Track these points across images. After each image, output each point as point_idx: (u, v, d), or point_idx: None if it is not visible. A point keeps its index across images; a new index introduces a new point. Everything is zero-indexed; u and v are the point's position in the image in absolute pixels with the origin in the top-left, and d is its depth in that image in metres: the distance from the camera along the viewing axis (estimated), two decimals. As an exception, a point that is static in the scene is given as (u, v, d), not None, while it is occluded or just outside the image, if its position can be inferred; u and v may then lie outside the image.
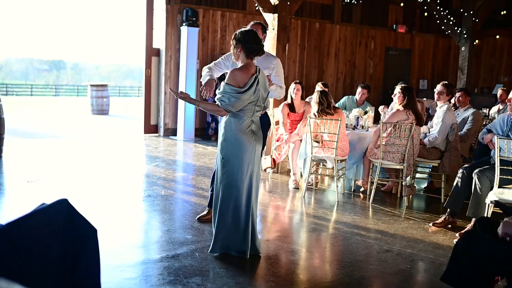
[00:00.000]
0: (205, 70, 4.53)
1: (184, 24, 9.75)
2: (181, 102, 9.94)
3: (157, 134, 10.37)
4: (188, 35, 9.68)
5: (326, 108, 5.85)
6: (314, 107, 5.93)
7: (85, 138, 9.79)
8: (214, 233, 3.82)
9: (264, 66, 4.36)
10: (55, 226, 1.67)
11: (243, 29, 3.80)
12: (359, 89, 7.51)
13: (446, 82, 6.14)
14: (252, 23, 4.65)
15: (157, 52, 10.22)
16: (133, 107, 19.05)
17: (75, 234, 1.72)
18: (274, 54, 7.15)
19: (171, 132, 10.23)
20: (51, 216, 1.65)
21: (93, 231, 1.79)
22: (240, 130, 3.71)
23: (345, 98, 7.75)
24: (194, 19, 9.73)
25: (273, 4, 7.03)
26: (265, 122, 4.26)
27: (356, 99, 7.56)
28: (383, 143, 5.61)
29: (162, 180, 6.41)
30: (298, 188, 6.26)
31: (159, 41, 10.17)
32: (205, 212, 4.79)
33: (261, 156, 4.01)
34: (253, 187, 3.79)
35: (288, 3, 7.06)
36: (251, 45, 3.66)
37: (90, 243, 1.78)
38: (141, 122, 10.46)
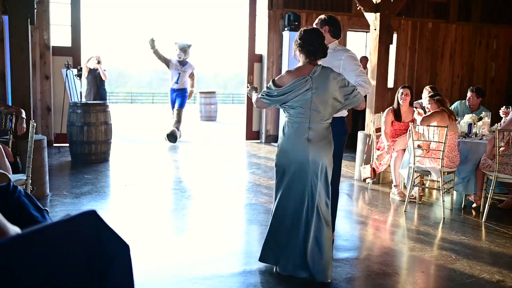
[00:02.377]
0: None
1: (286, 28, 9.59)
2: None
3: (258, 141, 10.31)
4: (290, 39, 9.49)
5: (451, 114, 5.26)
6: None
7: (188, 144, 10.03)
8: (264, 239, 3.57)
9: (331, 64, 3.69)
10: (79, 239, 1.53)
11: (305, 28, 3.52)
12: (468, 93, 6.70)
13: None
14: (317, 19, 4.17)
15: (260, 58, 10.17)
16: (242, 113, 19.35)
17: (103, 249, 1.57)
18: (376, 56, 6.69)
19: (272, 138, 10.10)
20: (75, 229, 1.52)
21: (125, 247, 1.63)
22: (292, 136, 3.41)
23: (457, 103, 6.99)
24: (296, 23, 9.53)
25: (374, 2, 6.57)
26: (339, 129, 3.84)
27: (467, 104, 6.78)
28: (500, 153, 4.90)
29: (263, 187, 6.26)
30: (404, 200, 5.66)
31: (261, 47, 10.12)
32: None
33: (320, 170, 3.42)
34: (315, 203, 3.39)
35: (392, 1, 6.55)
36: (307, 47, 3.38)
37: (121, 260, 1.61)
38: (244, 129, 10.47)
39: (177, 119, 9.60)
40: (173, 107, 9.69)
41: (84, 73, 8.56)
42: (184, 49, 9.41)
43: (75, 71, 8.15)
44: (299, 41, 3.43)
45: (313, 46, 3.38)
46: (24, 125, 4.79)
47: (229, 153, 8.98)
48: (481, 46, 11.51)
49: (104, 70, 8.85)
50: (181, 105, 9.61)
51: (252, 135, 10.37)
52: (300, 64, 3.46)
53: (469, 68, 11.44)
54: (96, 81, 8.83)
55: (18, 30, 5.13)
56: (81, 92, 8.00)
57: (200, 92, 16.03)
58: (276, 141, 9.93)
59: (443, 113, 5.19)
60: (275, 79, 3.46)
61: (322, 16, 4.17)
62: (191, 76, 9.73)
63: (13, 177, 3.81)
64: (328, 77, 3.36)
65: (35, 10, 5.25)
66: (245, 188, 6.22)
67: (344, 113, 3.97)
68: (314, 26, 4.00)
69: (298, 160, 3.38)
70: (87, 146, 7.39)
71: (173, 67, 9.49)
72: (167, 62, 9.49)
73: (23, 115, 4.87)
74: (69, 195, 5.56)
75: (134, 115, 18.10)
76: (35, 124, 4.23)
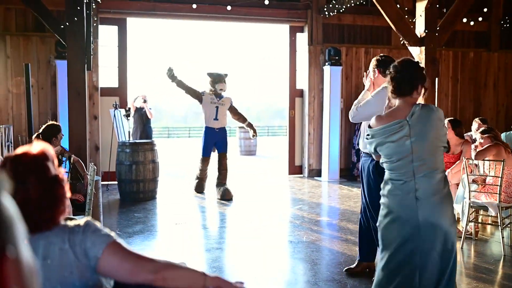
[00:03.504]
0: None
1: (326, 63, 9.67)
2: (325, 143, 9.77)
3: (301, 175, 10.29)
4: (331, 74, 9.56)
5: (507, 147, 5.15)
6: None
7: (232, 179, 10.09)
8: None
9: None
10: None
11: (403, 60, 2.90)
12: None
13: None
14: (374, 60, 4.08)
15: (301, 93, 10.26)
16: (280, 146, 19.43)
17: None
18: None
19: (316, 173, 10.07)
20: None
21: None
22: (394, 194, 2.80)
23: (503, 134, 6.80)
24: (336, 57, 9.61)
25: (419, 36, 6.58)
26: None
27: None
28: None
29: (306, 224, 6.22)
30: (459, 237, 5.52)
31: (302, 82, 10.21)
32: (354, 265, 4.43)
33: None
34: (415, 271, 2.74)
35: (437, 34, 6.55)
36: (406, 82, 2.78)
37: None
38: (286, 163, 10.49)
39: (224, 169, 8.02)
40: (208, 152, 8.00)
41: (132, 112, 8.83)
42: (224, 80, 8.02)
43: (123, 111, 8.41)
44: (396, 74, 2.81)
45: (413, 79, 2.80)
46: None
47: (274, 189, 8.99)
48: (525, 74, 11.28)
49: (150, 109, 9.10)
50: (226, 149, 8.10)
51: (295, 169, 10.36)
52: (393, 105, 2.89)
53: (514, 96, 11.21)
54: (143, 120, 9.08)
55: (76, 76, 5.38)
56: (129, 132, 8.23)
57: (239, 127, 16.21)
58: (319, 175, 9.90)
59: (499, 146, 5.09)
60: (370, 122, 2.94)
61: (377, 57, 4.14)
62: (234, 110, 8.15)
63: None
64: (427, 119, 2.76)
65: (91, 57, 5.48)
66: (292, 225, 6.19)
67: None
68: (372, 67, 4.00)
69: (398, 223, 2.78)
70: (135, 184, 7.54)
71: (208, 101, 7.89)
72: (198, 95, 7.93)
73: (88, 179, 4.57)
74: (122, 234, 5.66)
75: (173, 150, 18.38)
76: (95, 168, 4.37)
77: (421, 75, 2.82)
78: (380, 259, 2.89)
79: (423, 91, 2.83)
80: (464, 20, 10.02)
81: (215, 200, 7.87)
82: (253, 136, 8.39)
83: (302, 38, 10.07)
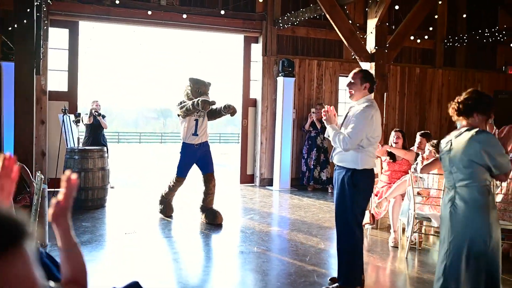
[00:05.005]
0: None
1: (280, 74, 9.81)
2: (277, 152, 9.89)
3: (253, 184, 10.35)
4: (284, 85, 9.71)
5: None
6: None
7: (183, 188, 9.99)
8: None
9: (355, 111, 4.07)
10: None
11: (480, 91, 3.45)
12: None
13: None
14: (354, 71, 4.23)
15: (254, 102, 10.35)
16: (232, 154, 19.45)
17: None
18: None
19: (267, 182, 10.16)
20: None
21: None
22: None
23: None
24: (290, 69, 9.77)
25: (370, 52, 6.81)
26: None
27: None
28: (498, 200, 5.02)
29: (257, 234, 6.26)
30: (397, 247, 5.76)
31: (255, 92, 10.30)
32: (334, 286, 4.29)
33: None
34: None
35: (386, 51, 6.80)
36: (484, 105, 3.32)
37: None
38: (238, 171, 10.52)
39: (212, 193, 6.90)
40: (185, 172, 6.91)
41: (87, 122, 8.69)
42: (209, 90, 6.89)
43: (72, 116, 8.19)
44: (488, 105, 3.33)
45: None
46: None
47: (225, 198, 8.99)
48: (466, 90, 11.83)
49: (104, 118, 8.90)
50: (212, 168, 6.96)
51: (247, 178, 10.42)
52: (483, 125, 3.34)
53: (457, 111, 11.75)
54: (96, 129, 8.87)
55: (24, 80, 5.22)
56: (78, 138, 8.02)
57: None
58: (271, 184, 10.00)
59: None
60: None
61: (360, 69, 4.26)
62: (209, 113, 6.87)
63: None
64: (469, 138, 3.24)
65: (41, 60, 5.33)
66: (243, 235, 6.22)
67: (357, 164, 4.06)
68: (349, 78, 4.14)
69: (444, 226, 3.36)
70: (84, 192, 7.36)
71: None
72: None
73: (34, 187, 4.28)
74: (69, 244, 5.50)
75: (124, 156, 18.04)
76: (42, 177, 4.24)
77: None
78: None
79: None
80: (411, 37, 10.47)
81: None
82: (231, 112, 6.77)
83: (257, 49, 10.18)
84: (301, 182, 10.03)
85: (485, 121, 3.33)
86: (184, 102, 6.71)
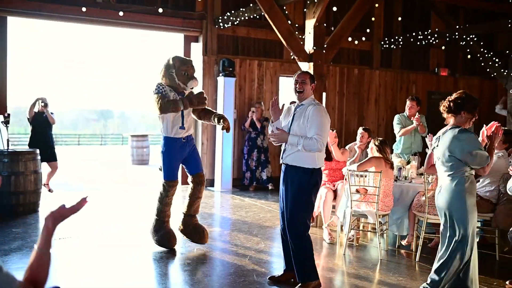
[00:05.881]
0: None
1: (220, 74, 9.76)
2: (218, 153, 9.83)
3: (194, 185, 10.21)
4: (224, 85, 9.67)
5: (386, 160, 5.51)
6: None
7: (121, 190, 9.75)
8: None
9: (303, 114, 4.19)
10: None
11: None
12: (408, 103, 7.10)
13: (506, 128, 5.71)
14: (299, 72, 4.39)
15: (195, 103, 10.22)
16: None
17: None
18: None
19: (209, 183, 10.06)
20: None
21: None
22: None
23: (397, 116, 7.26)
24: (230, 69, 9.74)
25: (308, 52, 6.90)
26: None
27: (407, 115, 7.15)
28: (428, 195, 5.21)
29: (196, 235, 6.17)
30: (333, 243, 5.87)
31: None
32: (280, 274, 4.52)
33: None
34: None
35: (324, 51, 6.91)
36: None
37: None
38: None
39: (199, 197, 5.87)
40: (175, 174, 5.75)
41: (29, 117, 8.21)
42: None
43: (1, 117, 7.77)
44: (475, 105, 3.87)
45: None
46: None
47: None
48: (402, 90, 12.31)
49: (52, 113, 8.47)
50: (201, 166, 5.92)
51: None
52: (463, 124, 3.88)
53: (393, 110, 12.12)
54: (44, 126, 8.40)
55: None
56: (8, 140, 7.60)
57: (132, 136, 15.77)
58: (212, 185, 9.92)
59: (379, 159, 5.46)
60: None
61: (306, 71, 4.52)
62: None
63: None
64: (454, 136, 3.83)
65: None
66: (178, 236, 6.12)
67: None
68: (297, 77, 4.28)
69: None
70: (14, 197, 6.99)
71: None
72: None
73: None
74: (-3, 251, 5.21)
75: (61, 159, 17.37)
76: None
77: None
78: None
79: None
80: (350, 39, 10.73)
81: (103, 212, 7.54)
82: (225, 129, 5.43)
83: (197, 48, 10.08)
84: (242, 182, 10.03)
85: (470, 119, 3.87)
86: (164, 90, 5.29)
